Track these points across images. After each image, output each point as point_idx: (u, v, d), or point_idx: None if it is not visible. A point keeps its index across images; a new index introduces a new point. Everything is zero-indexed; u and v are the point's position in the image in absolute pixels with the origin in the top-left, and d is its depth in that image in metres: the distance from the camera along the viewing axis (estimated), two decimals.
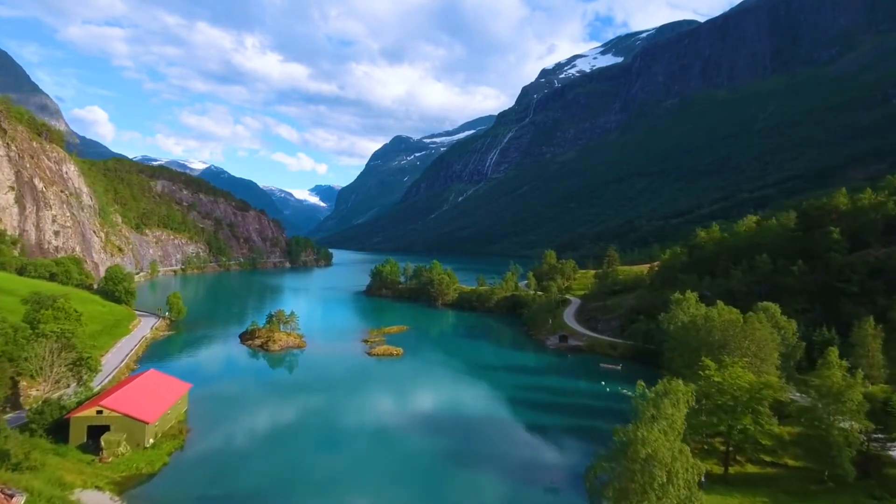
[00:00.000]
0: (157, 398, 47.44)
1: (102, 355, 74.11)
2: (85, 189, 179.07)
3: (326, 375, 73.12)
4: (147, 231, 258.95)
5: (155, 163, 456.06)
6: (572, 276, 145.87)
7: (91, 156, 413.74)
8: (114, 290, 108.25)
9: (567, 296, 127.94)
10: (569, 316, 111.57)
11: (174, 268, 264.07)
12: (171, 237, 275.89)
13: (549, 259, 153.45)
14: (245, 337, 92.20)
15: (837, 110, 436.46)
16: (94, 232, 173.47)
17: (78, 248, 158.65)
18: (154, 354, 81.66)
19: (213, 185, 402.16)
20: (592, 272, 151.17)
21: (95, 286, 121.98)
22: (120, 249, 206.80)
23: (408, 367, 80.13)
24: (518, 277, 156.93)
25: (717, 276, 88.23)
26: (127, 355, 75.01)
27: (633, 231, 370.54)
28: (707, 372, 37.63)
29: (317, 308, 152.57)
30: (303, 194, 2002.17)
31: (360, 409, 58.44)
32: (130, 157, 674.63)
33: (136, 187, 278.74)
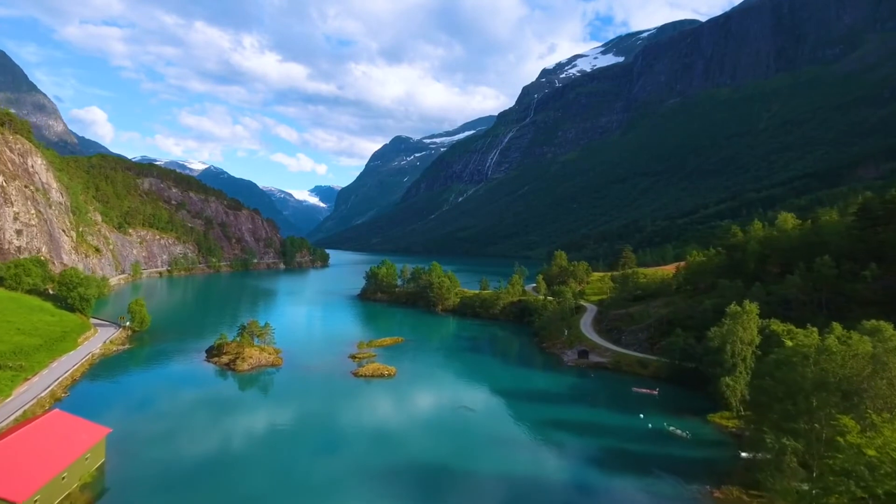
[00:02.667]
0: (48, 456, 34.25)
1: (28, 379, 60.79)
2: (54, 184, 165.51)
3: (299, 405, 59.44)
4: (131, 231, 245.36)
5: (154, 163, 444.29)
6: (585, 280, 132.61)
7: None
8: (67, 296, 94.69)
9: (581, 301, 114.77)
10: (586, 325, 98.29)
11: (159, 269, 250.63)
12: (157, 237, 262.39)
13: (559, 260, 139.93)
14: (212, 353, 78.69)
15: (843, 109, 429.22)
16: (64, 231, 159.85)
17: (45, 249, 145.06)
18: (95, 377, 68.21)
19: (214, 185, 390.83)
20: (607, 275, 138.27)
21: (52, 291, 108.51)
22: (97, 250, 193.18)
23: (400, 392, 66.54)
24: (523, 280, 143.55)
25: (766, 282, 75.10)
26: (57, 380, 61.49)
27: (638, 231, 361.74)
28: (849, 438, 24.38)
29: (303, 314, 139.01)
30: (302, 195, 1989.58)
31: (332, 460, 45.07)
32: (130, 157, 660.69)
33: (119, 185, 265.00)
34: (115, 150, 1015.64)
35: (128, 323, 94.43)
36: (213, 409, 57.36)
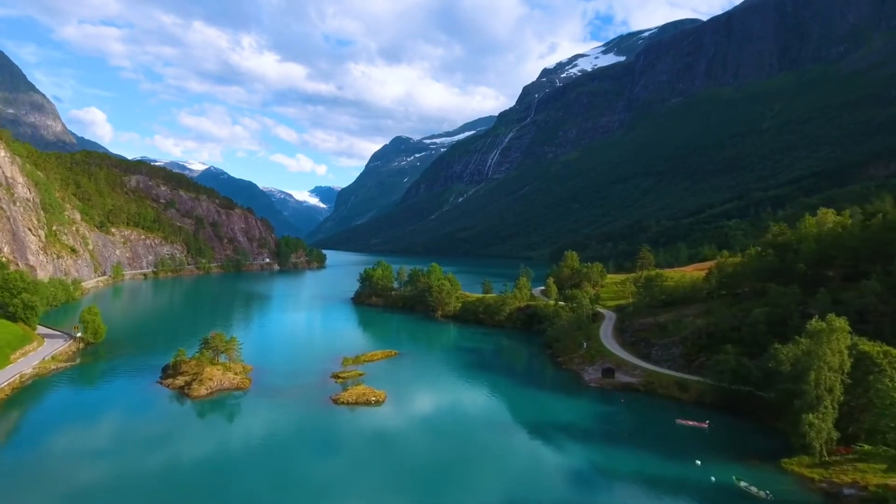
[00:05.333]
0: None
1: None
2: (20, 179, 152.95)
3: (257, 449, 46.36)
4: (114, 230, 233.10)
5: (154, 164, 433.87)
6: (600, 283, 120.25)
7: None
8: (9, 303, 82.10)
9: (597, 307, 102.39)
10: (606, 336, 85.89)
11: (144, 271, 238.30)
12: (143, 237, 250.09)
13: (569, 261, 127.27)
14: (167, 372, 66.16)
15: (848, 108, 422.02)
16: (31, 230, 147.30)
17: (7, 249, 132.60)
18: (13, 407, 55.59)
19: (214, 186, 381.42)
20: (621, 277, 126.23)
21: None
22: (73, 250, 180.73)
23: (387, 427, 53.40)
24: (530, 282, 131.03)
25: (831, 289, 62.88)
26: None
27: (643, 231, 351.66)
28: None
29: (287, 321, 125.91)
30: (303, 195, 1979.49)
31: None
32: (129, 157, 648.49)
33: (103, 182, 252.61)
34: (114, 150, 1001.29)
35: (79, 334, 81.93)
36: (137, 457, 43.62)
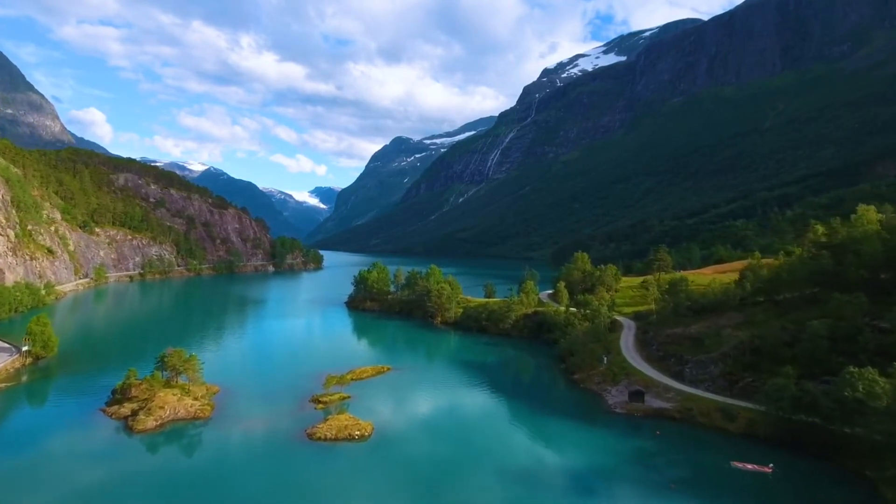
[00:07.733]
0: None
1: None
2: None
3: None
4: (98, 230, 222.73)
5: (154, 164, 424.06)
6: (615, 287, 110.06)
7: None
8: None
9: (613, 314, 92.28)
10: (628, 349, 75.64)
11: (130, 273, 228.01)
12: (129, 237, 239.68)
13: (580, 263, 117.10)
14: (115, 397, 55.76)
15: (852, 107, 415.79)
16: None
17: None
18: None
19: (214, 187, 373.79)
20: (637, 280, 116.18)
21: None
22: (50, 251, 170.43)
23: (369, 477, 42.30)
24: (536, 285, 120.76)
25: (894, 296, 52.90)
26: None
27: (646, 231, 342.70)
28: None
29: (272, 330, 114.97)
30: (303, 196, 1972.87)
31: None
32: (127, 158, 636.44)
33: (88, 180, 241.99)
34: (114, 150, 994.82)
35: (26, 348, 71.55)
36: None
